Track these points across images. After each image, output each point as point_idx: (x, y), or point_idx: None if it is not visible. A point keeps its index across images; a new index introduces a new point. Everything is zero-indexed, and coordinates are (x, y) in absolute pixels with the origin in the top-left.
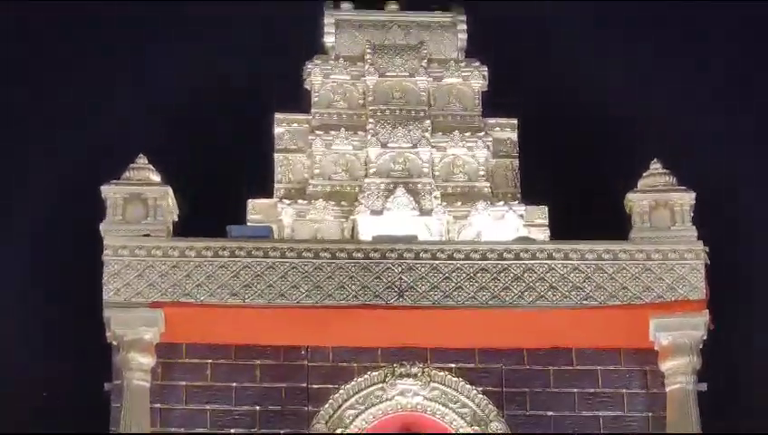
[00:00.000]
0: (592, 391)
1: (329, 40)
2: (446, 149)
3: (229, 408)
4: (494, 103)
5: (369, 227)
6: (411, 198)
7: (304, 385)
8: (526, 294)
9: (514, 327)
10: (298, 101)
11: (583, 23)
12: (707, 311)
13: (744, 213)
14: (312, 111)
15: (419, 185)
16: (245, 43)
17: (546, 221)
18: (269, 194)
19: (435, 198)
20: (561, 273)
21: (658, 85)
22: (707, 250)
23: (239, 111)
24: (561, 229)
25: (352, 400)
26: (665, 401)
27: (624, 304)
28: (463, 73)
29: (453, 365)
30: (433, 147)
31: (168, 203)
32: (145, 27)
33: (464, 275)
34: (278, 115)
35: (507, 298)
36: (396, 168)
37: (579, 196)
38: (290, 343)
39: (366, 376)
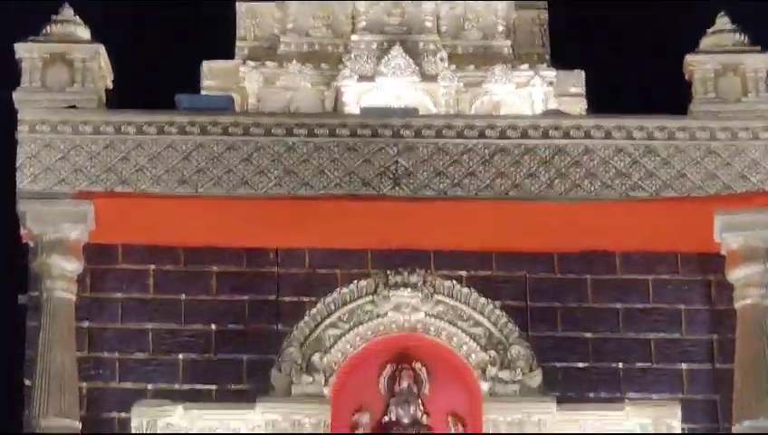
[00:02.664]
0: (641, 306)
1: None
2: None
3: (177, 327)
4: None
5: (356, 96)
6: (410, 61)
7: (273, 298)
8: (557, 182)
9: (542, 225)
10: None
11: None
12: None
13: None
14: None
15: (421, 44)
16: None
17: (582, 90)
18: (229, 54)
19: (441, 60)
20: (602, 156)
21: None
22: None
23: None
24: (602, 101)
25: (334, 316)
26: (733, 321)
27: (682, 196)
28: None
29: (463, 273)
30: None
31: (99, 65)
32: None
33: (477, 157)
34: None
35: (533, 188)
36: (391, 21)
37: (624, 58)
38: (255, 244)
39: (352, 286)
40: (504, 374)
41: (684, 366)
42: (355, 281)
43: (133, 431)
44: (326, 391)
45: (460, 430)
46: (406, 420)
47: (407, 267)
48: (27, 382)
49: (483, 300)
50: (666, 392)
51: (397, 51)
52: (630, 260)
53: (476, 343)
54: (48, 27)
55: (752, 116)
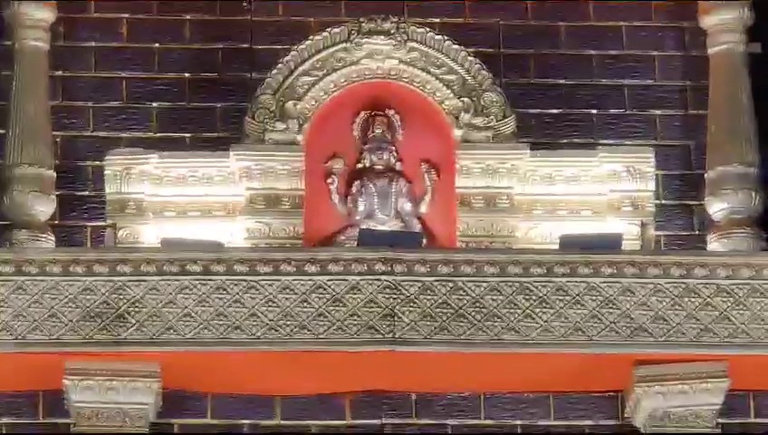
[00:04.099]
0: (615, 53)
1: None
2: None
3: (150, 75)
4: None
5: None
6: None
7: (247, 46)
8: None
9: None
10: None
11: None
12: None
13: None
14: None
15: None
16: None
17: None
18: None
19: None
20: None
21: None
22: None
23: None
24: None
25: (307, 64)
26: (707, 68)
27: None
28: None
29: (437, 20)
30: None
31: None
32: None
33: None
34: None
35: None
36: None
37: None
38: None
39: (325, 34)
40: (478, 121)
41: (657, 112)
42: (328, 29)
43: (106, 180)
44: (300, 138)
45: (433, 176)
46: (379, 167)
47: (380, 15)
48: (0, 131)
49: (456, 47)
50: (639, 138)
51: None
52: (604, 7)
53: (450, 90)
54: None
55: None
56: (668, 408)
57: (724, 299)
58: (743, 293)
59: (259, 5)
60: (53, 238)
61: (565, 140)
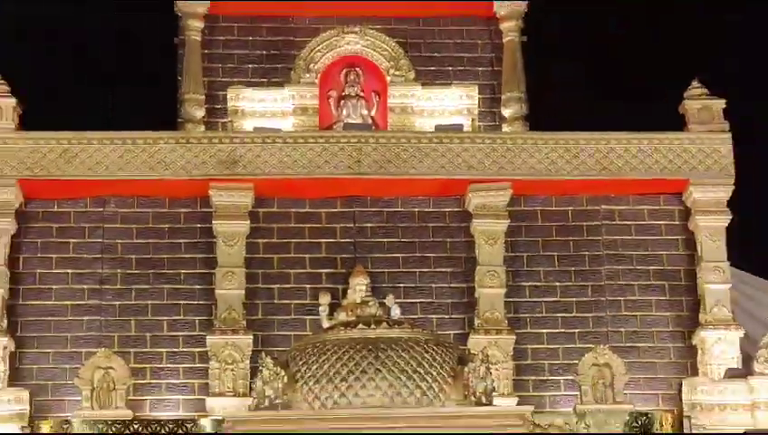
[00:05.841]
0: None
1: None
2: None
3: (244, 52)
4: None
5: None
6: None
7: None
8: None
9: None
10: None
11: None
12: None
13: None
14: None
15: None
16: None
17: None
18: None
19: None
20: None
21: None
22: None
23: None
24: None
25: (320, 46)
26: (503, 47)
27: None
28: None
29: (378, 26)
30: None
31: None
32: None
33: None
34: None
35: None
36: None
37: None
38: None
39: (328, 32)
40: (398, 73)
41: (480, 69)
42: (329, 31)
43: (228, 101)
44: (316, 81)
45: (377, 98)
46: (353, 94)
47: (353, 23)
48: (179, 79)
49: (387, 39)
50: (470, 82)
51: None
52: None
53: (384, 59)
54: None
55: None
56: (486, 202)
57: (516, 153)
58: (523, 147)
59: (299, 22)
60: (203, 128)
61: (438, 81)
